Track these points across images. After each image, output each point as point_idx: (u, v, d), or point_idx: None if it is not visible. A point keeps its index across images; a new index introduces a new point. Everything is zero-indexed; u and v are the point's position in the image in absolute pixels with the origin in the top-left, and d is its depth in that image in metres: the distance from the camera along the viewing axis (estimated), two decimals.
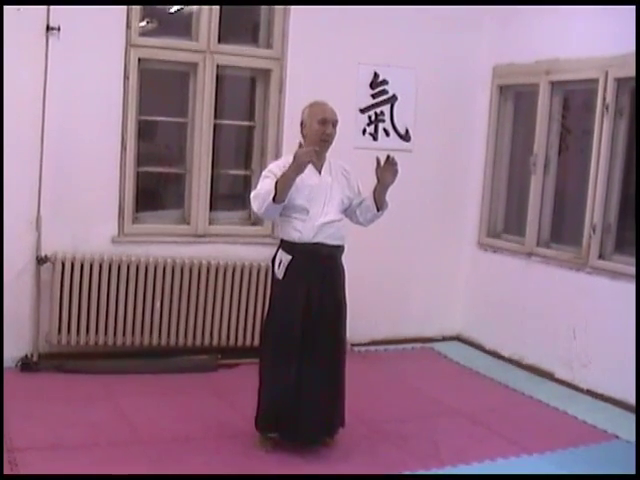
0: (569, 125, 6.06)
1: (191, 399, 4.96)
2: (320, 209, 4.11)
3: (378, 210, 4.30)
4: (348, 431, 4.37)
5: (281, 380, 4.11)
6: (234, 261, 5.72)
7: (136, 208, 5.67)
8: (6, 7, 4.83)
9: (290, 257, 4.11)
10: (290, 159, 4.05)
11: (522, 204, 6.21)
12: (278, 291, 4.21)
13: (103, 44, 5.34)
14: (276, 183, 3.95)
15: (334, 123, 4.14)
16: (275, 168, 4.09)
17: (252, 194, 4.10)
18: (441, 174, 6.50)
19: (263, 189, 4.01)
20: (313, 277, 4.10)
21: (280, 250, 4.18)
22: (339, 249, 4.22)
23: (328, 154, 4.23)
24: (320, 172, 4.17)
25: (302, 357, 4.10)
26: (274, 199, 3.95)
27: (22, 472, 3.76)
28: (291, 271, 4.11)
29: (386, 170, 4.18)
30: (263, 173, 4.15)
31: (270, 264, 4.31)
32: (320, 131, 4.11)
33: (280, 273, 4.14)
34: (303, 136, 4.21)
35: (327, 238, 4.12)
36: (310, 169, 4.12)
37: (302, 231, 4.10)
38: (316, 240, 4.10)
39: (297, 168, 3.92)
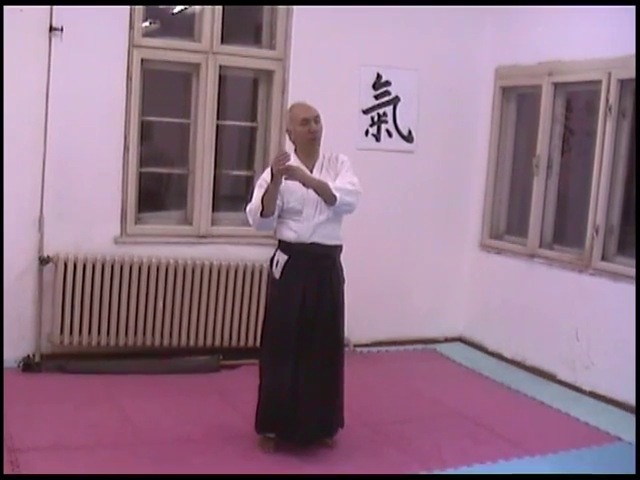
0: (572, 126, 6.05)
1: (193, 400, 4.96)
2: (314, 209, 4.11)
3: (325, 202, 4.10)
4: (349, 432, 4.37)
5: (278, 379, 4.12)
6: (236, 262, 5.73)
7: (138, 209, 5.67)
8: (9, 8, 4.84)
9: (287, 257, 4.12)
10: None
11: (525, 205, 6.20)
12: (275, 291, 4.22)
13: (106, 45, 5.35)
14: (262, 197, 3.99)
15: (316, 119, 4.13)
16: (268, 176, 4.06)
17: (247, 208, 4.13)
18: (443, 175, 6.50)
19: (253, 205, 4.07)
20: (309, 277, 4.11)
21: (277, 250, 4.19)
22: (336, 249, 4.22)
23: (321, 150, 4.22)
24: (312, 171, 4.16)
25: (299, 356, 4.10)
26: (262, 214, 4.01)
27: (23, 473, 3.76)
28: (288, 271, 4.12)
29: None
30: (258, 182, 4.16)
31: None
32: (304, 131, 4.12)
33: (277, 273, 4.15)
34: (293, 142, 4.23)
35: (323, 238, 4.12)
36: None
37: (298, 231, 4.10)
38: (312, 240, 4.10)
39: (275, 179, 3.93)
